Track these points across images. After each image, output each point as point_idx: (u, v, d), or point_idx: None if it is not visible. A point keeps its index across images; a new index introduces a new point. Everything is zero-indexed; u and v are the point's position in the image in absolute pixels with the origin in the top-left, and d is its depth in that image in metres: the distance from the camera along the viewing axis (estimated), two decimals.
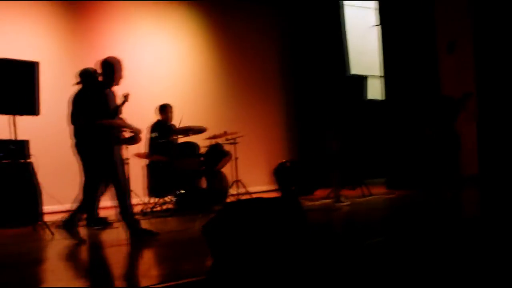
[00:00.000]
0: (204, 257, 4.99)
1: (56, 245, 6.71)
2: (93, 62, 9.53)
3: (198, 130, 9.50)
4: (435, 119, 9.55)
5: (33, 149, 7.80)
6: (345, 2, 13.23)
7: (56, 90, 9.71)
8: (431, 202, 8.99)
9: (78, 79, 7.99)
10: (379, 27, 11.80)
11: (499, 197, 9.07)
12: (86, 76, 7.92)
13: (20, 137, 7.66)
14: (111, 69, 6.79)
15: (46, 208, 7.93)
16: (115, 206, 6.81)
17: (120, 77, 6.84)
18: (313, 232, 5.78)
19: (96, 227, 7.74)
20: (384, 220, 7.65)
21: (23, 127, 7.85)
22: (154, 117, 9.67)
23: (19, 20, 10.10)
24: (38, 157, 7.74)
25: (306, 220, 5.31)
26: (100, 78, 6.87)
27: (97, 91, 6.79)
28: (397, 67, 11.35)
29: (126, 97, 6.93)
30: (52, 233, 7.23)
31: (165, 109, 9.63)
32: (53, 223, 7.77)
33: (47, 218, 7.79)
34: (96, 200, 7.78)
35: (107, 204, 8.11)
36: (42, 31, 10.33)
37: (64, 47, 10.54)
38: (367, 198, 9.55)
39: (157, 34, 11.60)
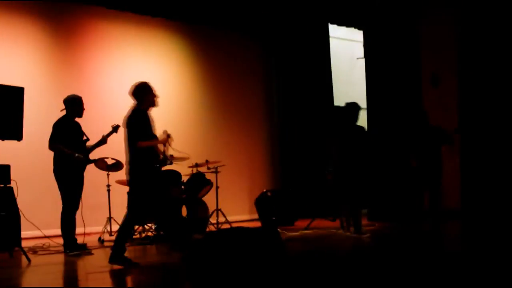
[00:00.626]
0: (183, 286, 4.94)
1: (33, 272, 6.62)
2: (77, 88, 9.61)
3: (181, 159, 9.49)
4: (423, 149, 9.57)
5: (12, 173, 7.73)
6: (331, 35, 13.30)
7: (38, 115, 9.67)
8: (409, 234, 8.99)
9: (63, 106, 8.04)
10: (365, 60, 11.89)
11: (479, 232, 9.09)
12: (69, 103, 7.97)
13: (0, 161, 7.61)
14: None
15: (23, 233, 7.83)
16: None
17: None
18: (291, 264, 5.74)
19: (72, 253, 7.64)
20: (363, 252, 7.64)
21: (2, 151, 7.82)
22: None
23: (4, 45, 10.07)
24: (17, 182, 7.65)
25: (285, 250, 5.28)
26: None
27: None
28: (381, 99, 11.40)
29: (115, 128, 7.22)
30: (29, 260, 7.13)
31: None
32: (30, 248, 7.69)
33: (24, 244, 7.69)
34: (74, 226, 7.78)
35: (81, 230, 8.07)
36: (27, 56, 10.28)
37: (48, 72, 10.48)
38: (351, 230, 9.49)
39: (142, 61, 11.56)
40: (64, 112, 8.02)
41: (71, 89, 10.11)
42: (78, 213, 7.84)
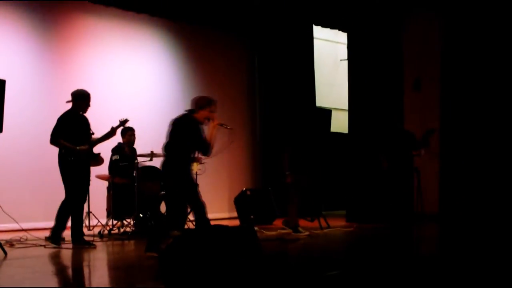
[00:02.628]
0: (158, 283, 4.96)
1: (9, 265, 6.60)
2: (60, 81, 9.59)
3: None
4: (393, 152, 9.67)
5: None
6: (315, 36, 13.35)
7: (19, 108, 9.63)
8: (386, 237, 9.05)
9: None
10: (348, 62, 11.94)
11: (457, 235, 9.16)
12: (76, 97, 7.96)
13: None
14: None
15: (0, 226, 7.81)
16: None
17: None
18: (267, 263, 5.77)
19: (54, 245, 7.65)
20: (337, 253, 7.70)
21: None
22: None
23: None
24: None
25: (261, 250, 5.31)
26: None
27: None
28: (363, 101, 11.46)
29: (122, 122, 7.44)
30: (5, 253, 7.10)
31: (125, 133, 9.60)
32: (7, 241, 7.67)
33: (1, 237, 7.68)
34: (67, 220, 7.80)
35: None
36: (9, 49, 10.21)
37: (31, 65, 10.44)
38: (324, 230, 9.56)
39: (126, 57, 11.57)
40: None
41: (54, 82, 10.14)
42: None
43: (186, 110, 6.99)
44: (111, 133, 8.18)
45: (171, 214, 7.11)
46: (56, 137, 7.71)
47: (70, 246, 7.72)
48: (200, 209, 6.77)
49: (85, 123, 8.00)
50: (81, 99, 7.91)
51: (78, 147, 7.65)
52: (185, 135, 6.80)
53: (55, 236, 7.79)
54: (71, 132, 7.75)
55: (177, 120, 6.89)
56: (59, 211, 7.79)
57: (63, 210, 7.78)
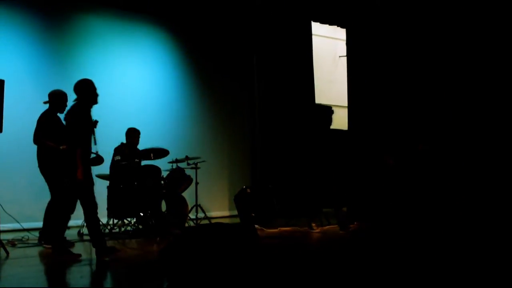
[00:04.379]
0: (161, 281, 4.97)
1: (10, 265, 6.62)
2: (59, 81, 9.59)
3: (161, 152, 9.54)
4: (399, 148, 9.66)
5: None
6: (314, 32, 13.34)
7: (19, 108, 9.65)
8: (383, 234, 9.08)
9: (45, 99, 8.03)
10: (347, 58, 11.93)
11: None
12: (53, 97, 7.98)
13: None
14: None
15: (2, 226, 7.82)
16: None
17: None
18: (267, 260, 5.80)
19: (47, 245, 7.66)
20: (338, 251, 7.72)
21: None
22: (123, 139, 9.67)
23: None
24: None
25: (261, 247, 5.34)
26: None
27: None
28: (362, 97, 11.45)
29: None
30: (7, 252, 7.12)
31: (129, 134, 9.61)
32: (9, 241, 7.69)
33: (2, 236, 7.68)
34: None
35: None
36: (9, 49, 10.22)
37: (30, 65, 10.44)
38: (325, 228, 9.59)
39: (125, 56, 11.58)
40: (46, 105, 8.02)
41: (53, 82, 10.12)
42: None
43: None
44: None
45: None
46: (38, 137, 7.76)
47: (71, 246, 7.73)
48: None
49: (59, 122, 7.97)
50: (57, 99, 7.96)
51: (61, 146, 7.66)
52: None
53: (43, 236, 7.78)
54: (49, 132, 7.78)
55: None
56: (46, 211, 7.80)
57: (48, 211, 7.78)
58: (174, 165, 10.04)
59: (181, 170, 9.93)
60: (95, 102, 6.94)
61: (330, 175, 9.10)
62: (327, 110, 9.91)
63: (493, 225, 9.44)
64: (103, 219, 9.40)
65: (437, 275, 5.54)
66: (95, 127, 7.82)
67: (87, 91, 6.91)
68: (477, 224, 9.66)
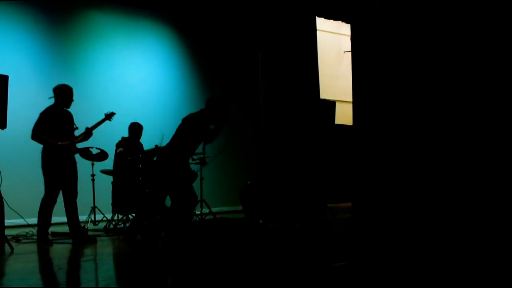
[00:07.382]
0: (165, 276, 4.97)
1: (15, 260, 6.62)
2: (63, 76, 9.60)
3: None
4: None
5: None
6: (318, 27, 13.30)
7: (23, 103, 9.65)
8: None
9: (49, 94, 8.00)
10: (352, 53, 11.90)
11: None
12: (58, 92, 7.94)
13: None
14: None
15: (6, 221, 7.83)
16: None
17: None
18: (271, 254, 5.78)
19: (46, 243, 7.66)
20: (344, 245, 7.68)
21: None
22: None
23: None
24: (1, 170, 7.63)
25: (265, 242, 5.32)
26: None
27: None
28: (368, 93, 11.41)
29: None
30: (12, 248, 7.12)
31: (132, 128, 9.59)
32: (13, 237, 7.69)
33: (7, 232, 7.69)
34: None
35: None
36: (12, 45, 10.23)
37: (34, 61, 10.45)
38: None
39: (129, 53, 11.58)
40: (51, 100, 7.99)
41: (57, 78, 10.12)
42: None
43: None
44: (98, 125, 8.16)
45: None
46: (37, 132, 7.69)
47: (76, 241, 7.73)
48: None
49: (69, 118, 7.96)
50: (63, 94, 7.90)
51: (60, 143, 7.63)
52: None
53: (41, 236, 7.76)
54: (54, 127, 7.73)
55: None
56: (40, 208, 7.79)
57: (43, 207, 7.76)
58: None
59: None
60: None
61: (333, 169, 9.06)
62: (331, 105, 9.87)
63: (495, 224, 9.42)
64: (107, 215, 9.44)
65: (437, 276, 5.52)
66: (110, 119, 7.95)
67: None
68: (478, 224, 9.65)
